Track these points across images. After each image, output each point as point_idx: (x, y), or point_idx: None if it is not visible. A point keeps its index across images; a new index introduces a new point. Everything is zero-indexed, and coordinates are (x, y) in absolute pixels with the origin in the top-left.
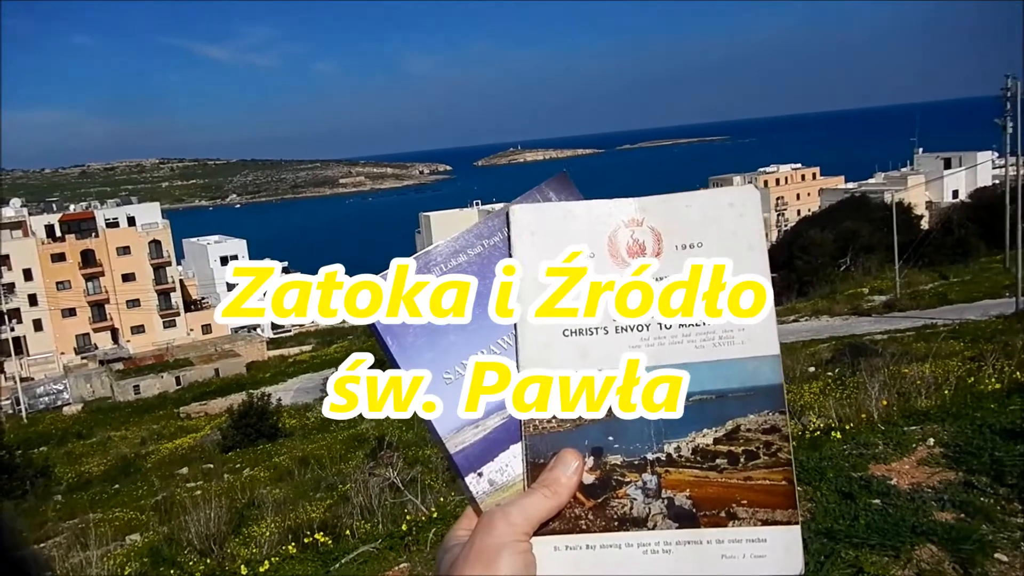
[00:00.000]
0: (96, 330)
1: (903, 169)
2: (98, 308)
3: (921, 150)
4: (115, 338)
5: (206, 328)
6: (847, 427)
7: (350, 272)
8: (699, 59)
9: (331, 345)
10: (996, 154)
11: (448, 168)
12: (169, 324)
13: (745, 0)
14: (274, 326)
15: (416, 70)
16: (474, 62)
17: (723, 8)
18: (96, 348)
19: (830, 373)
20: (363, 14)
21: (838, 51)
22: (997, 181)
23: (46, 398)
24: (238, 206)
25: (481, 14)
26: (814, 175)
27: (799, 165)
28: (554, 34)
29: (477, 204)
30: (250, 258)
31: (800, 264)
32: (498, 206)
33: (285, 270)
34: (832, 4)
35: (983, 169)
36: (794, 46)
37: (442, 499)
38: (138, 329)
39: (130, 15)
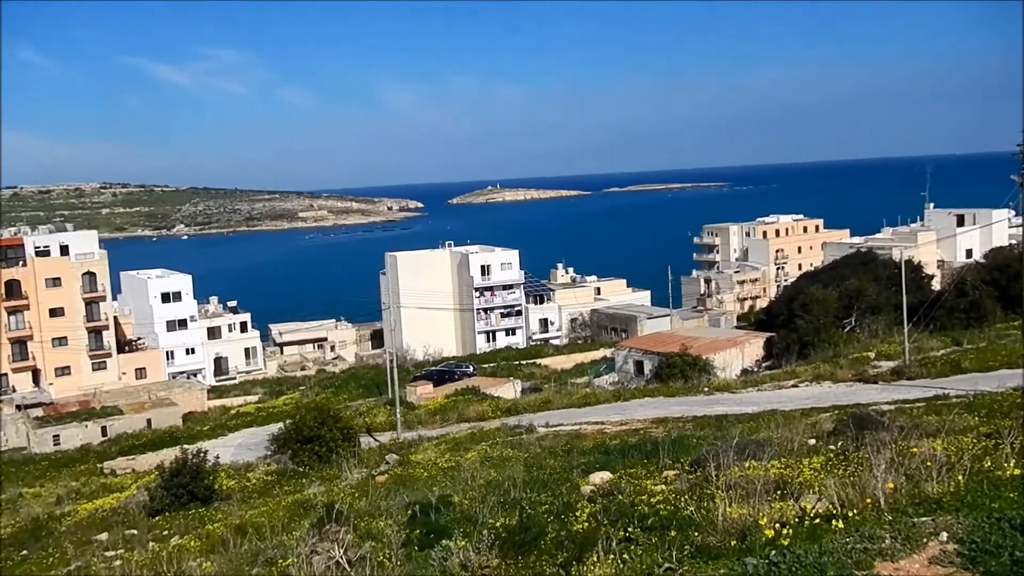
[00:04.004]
0: (16, 370)
1: (913, 225)
2: (20, 345)
3: (932, 205)
4: (36, 380)
5: (140, 372)
6: (850, 514)
7: (307, 315)
8: (696, 102)
9: (280, 396)
10: (1012, 212)
11: (419, 205)
12: (99, 366)
13: (745, 41)
14: (217, 372)
15: (391, 101)
16: (454, 95)
17: (723, 51)
18: (14, 391)
19: (832, 447)
20: (339, 42)
21: (845, 100)
22: (1014, 241)
23: None
24: (185, 237)
25: (464, 48)
26: (817, 227)
27: (801, 216)
28: (541, 71)
29: (449, 245)
30: (195, 296)
31: (801, 323)
32: (473, 248)
33: (233, 310)
34: (840, 51)
35: (999, 228)
36: (799, 93)
37: None
38: (63, 371)
39: (86, 32)
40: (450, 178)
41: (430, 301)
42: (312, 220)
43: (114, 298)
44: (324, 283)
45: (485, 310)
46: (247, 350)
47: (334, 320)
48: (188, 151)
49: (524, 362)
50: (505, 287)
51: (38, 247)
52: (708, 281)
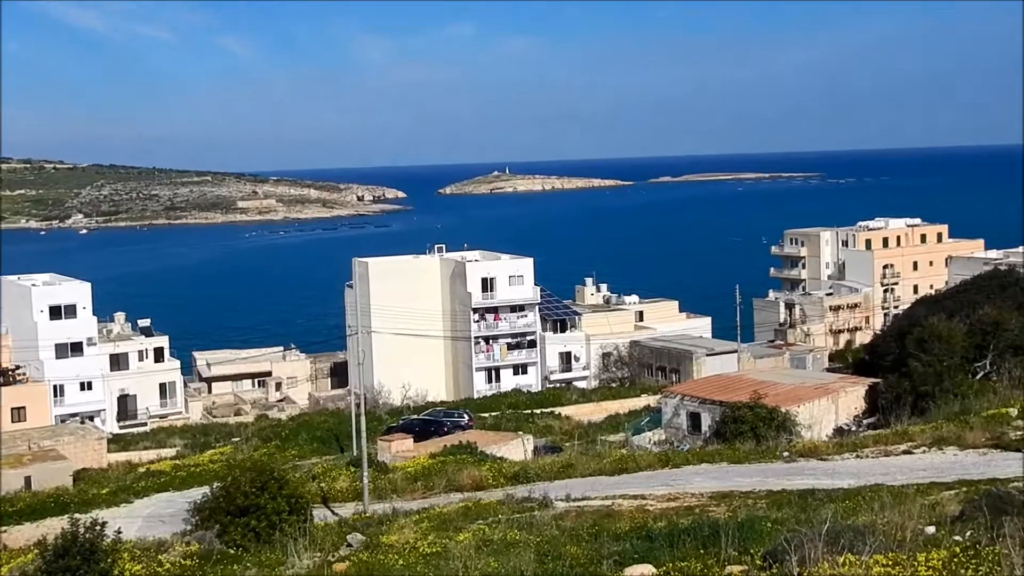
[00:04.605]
0: None
1: None
2: None
3: None
4: None
5: (18, 413)
6: None
7: (245, 341)
8: (781, 63)
9: (206, 450)
10: None
11: (400, 195)
12: None
13: None
14: (121, 415)
15: (365, 57)
16: (446, 51)
17: None
18: None
19: (958, 537)
20: None
21: (981, 63)
22: None
23: None
24: (84, 232)
25: None
26: (940, 236)
27: (918, 220)
28: (565, 18)
29: (440, 250)
30: (95, 311)
31: (917, 366)
32: (472, 254)
33: (146, 332)
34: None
35: None
36: (919, 54)
37: None
38: None
39: None
40: (442, 160)
41: (412, 325)
42: (256, 212)
43: None
44: (270, 298)
45: (487, 339)
46: (163, 386)
47: (281, 348)
48: (92, 117)
49: (538, 411)
50: (514, 308)
51: None
52: (790, 306)
